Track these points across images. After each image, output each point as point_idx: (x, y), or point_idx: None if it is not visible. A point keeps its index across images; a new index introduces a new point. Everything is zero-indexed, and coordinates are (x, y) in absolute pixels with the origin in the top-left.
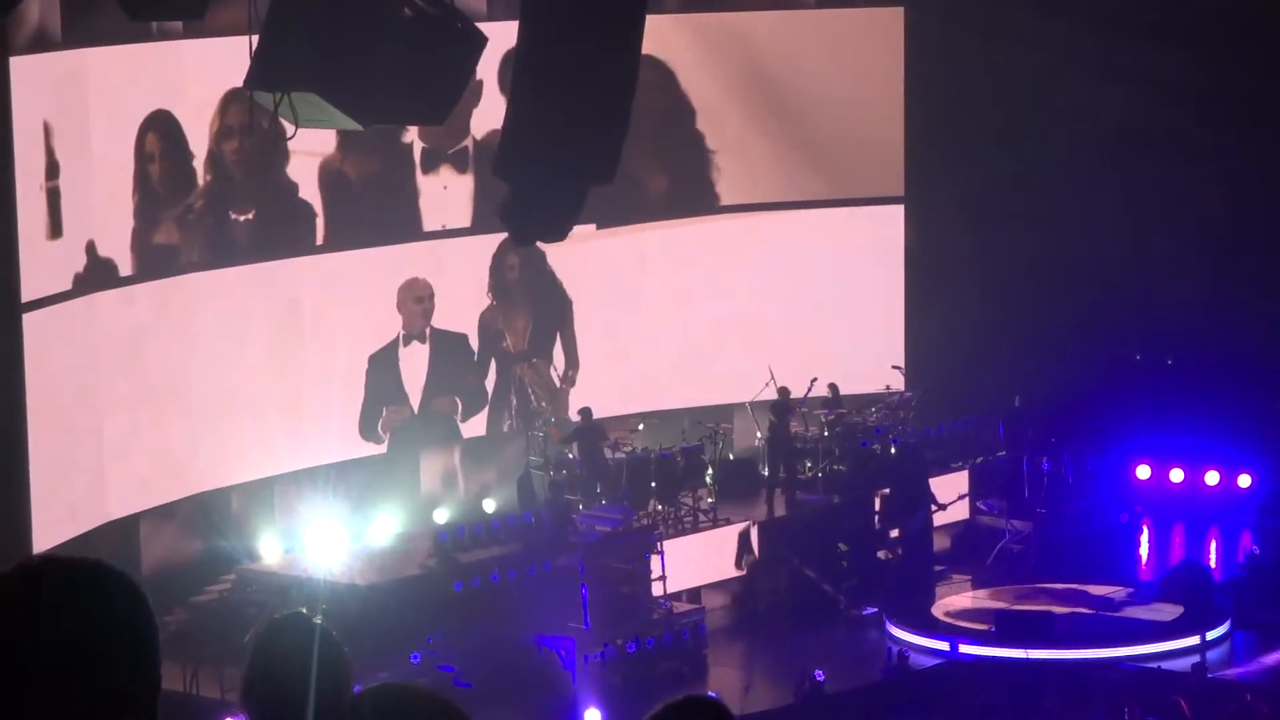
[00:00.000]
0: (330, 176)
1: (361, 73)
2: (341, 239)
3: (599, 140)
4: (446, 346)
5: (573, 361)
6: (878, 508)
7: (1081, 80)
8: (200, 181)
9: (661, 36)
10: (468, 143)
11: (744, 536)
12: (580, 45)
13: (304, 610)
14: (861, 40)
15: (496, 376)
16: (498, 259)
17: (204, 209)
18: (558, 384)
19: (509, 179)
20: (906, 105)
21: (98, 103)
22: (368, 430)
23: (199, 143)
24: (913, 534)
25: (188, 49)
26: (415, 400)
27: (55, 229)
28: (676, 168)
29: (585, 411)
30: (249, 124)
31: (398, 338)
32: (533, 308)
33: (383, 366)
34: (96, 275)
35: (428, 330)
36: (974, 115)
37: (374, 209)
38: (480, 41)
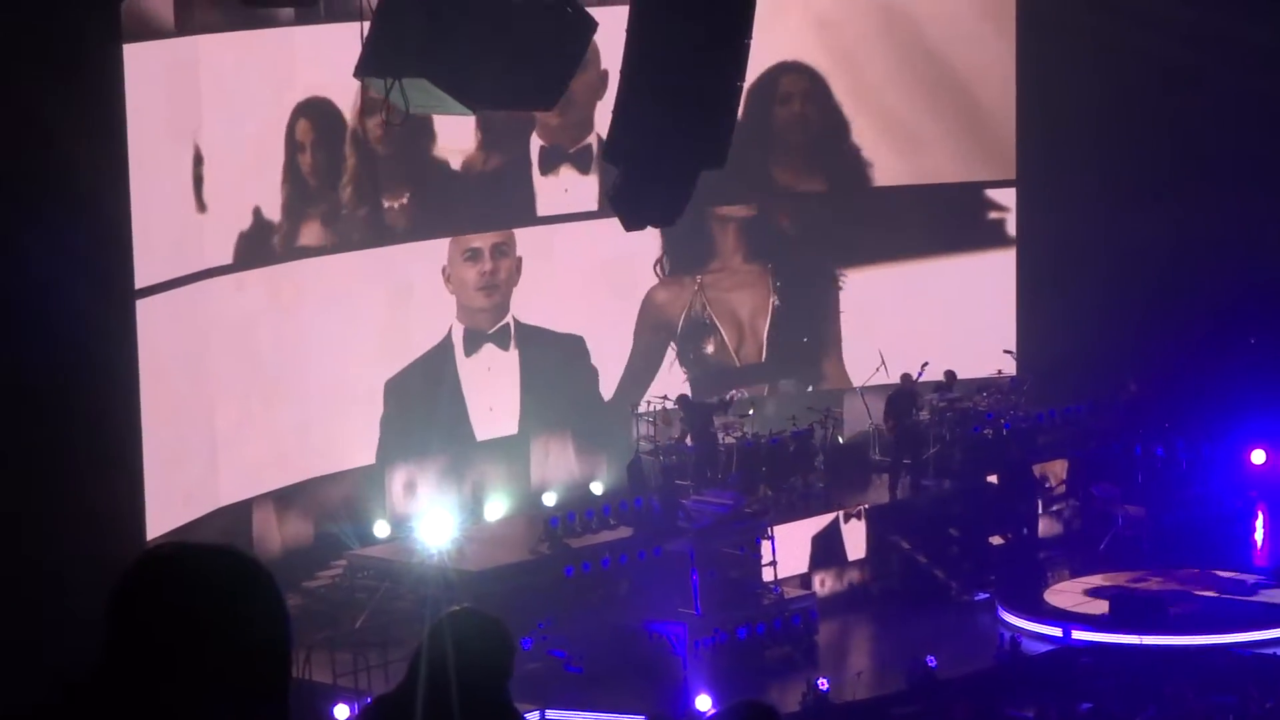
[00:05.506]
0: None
1: (472, 58)
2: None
3: (709, 124)
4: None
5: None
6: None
7: (1200, 57)
8: (348, 165)
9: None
10: (591, 139)
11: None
12: (691, 29)
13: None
14: (973, 19)
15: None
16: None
17: (353, 198)
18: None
19: (620, 163)
20: (1019, 85)
21: (210, 91)
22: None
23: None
24: (1023, 521)
25: (300, 36)
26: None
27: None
28: (782, 149)
29: (683, 398)
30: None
31: (448, 336)
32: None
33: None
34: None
35: (508, 323)
36: (1087, 95)
37: (492, 207)
38: (590, 26)
